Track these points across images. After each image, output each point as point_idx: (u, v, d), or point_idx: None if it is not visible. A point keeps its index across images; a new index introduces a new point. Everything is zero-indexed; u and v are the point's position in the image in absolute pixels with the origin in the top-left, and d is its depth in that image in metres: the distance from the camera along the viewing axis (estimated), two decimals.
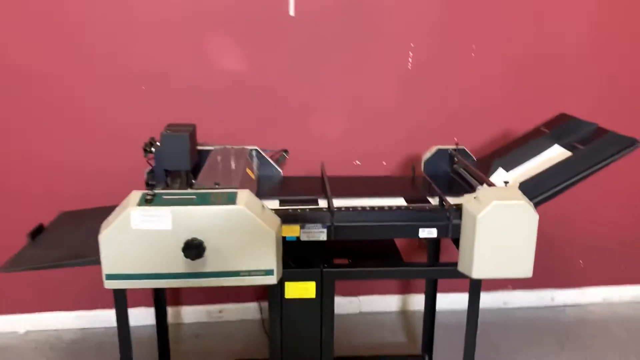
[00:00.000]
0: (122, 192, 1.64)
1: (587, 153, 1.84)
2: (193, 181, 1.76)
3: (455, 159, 2.18)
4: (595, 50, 2.67)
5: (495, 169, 1.98)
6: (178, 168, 1.80)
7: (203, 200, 1.59)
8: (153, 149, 1.75)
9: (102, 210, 1.78)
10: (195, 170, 1.92)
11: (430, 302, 2.33)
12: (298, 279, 1.78)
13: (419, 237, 1.76)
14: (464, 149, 2.20)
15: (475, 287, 1.87)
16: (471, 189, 1.92)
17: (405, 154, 2.70)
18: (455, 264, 1.78)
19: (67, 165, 2.52)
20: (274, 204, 1.85)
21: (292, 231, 1.72)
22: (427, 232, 1.76)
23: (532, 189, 1.77)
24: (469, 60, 2.60)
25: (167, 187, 1.80)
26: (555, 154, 1.96)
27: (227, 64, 2.48)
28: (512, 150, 2.05)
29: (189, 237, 1.56)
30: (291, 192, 1.99)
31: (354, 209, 1.78)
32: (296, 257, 1.81)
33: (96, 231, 1.57)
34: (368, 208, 1.79)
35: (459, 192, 1.90)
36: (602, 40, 2.66)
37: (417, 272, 1.84)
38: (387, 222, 1.75)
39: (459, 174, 2.15)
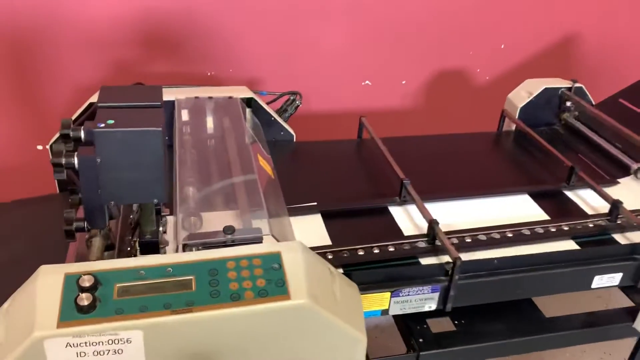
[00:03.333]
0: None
1: None
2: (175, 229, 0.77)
3: (569, 104, 1.36)
4: None
5: None
6: (142, 201, 0.77)
7: (213, 290, 0.68)
8: (76, 160, 0.69)
9: None
10: None
11: None
12: None
13: (590, 288, 0.98)
14: (581, 89, 1.37)
15: None
16: (613, 163, 1.24)
17: (434, 70, 1.82)
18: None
19: None
20: (315, 225, 0.97)
21: (377, 302, 0.88)
22: (607, 281, 0.98)
23: None
24: None
25: (113, 242, 0.78)
26: None
27: None
28: None
29: None
30: (328, 184, 1.11)
31: (478, 240, 0.95)
32: None
33: None
34: (498, 236, 0.96)
35: (585, 164, 1.23)
36: None
37: (576, 338, 1.07)
38: (544, 271, 0.93)
39: (572, 128, 1.35)
